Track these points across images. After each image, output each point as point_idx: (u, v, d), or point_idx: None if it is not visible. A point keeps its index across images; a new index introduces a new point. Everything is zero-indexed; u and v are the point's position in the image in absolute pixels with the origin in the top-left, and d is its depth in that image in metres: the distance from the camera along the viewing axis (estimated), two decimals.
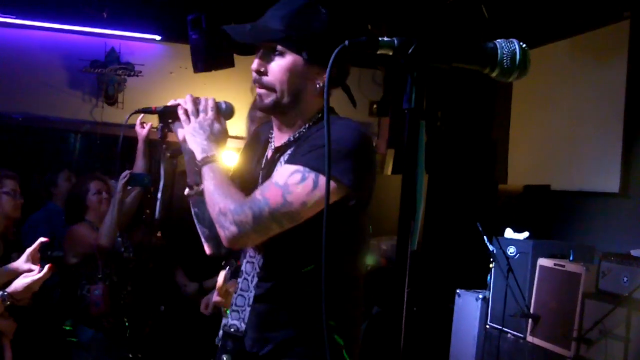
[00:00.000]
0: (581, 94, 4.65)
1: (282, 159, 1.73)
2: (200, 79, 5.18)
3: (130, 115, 1.87)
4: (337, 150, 1.55)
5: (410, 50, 1.13)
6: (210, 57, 4.93)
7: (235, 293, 1.78)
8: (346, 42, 1.15)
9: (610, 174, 4.29)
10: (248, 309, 1.72)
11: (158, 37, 5.96)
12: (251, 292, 1.73)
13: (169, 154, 2.33)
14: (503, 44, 1.19)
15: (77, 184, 3.80)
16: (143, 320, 3.93)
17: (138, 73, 5.92)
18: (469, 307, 4.27)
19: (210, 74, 5.07)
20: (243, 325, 1.72)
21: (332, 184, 1.55)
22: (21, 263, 2.52)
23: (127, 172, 3.42)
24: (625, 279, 3.22)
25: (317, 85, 1.68)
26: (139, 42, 5.98)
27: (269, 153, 1.80)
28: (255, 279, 1.73)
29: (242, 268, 1.79)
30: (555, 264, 3.66)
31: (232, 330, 1.75)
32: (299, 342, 1.67)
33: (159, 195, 1.83)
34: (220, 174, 1.66)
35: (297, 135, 1.72)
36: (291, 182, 1.56)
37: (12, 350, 2.74)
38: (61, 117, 5.86)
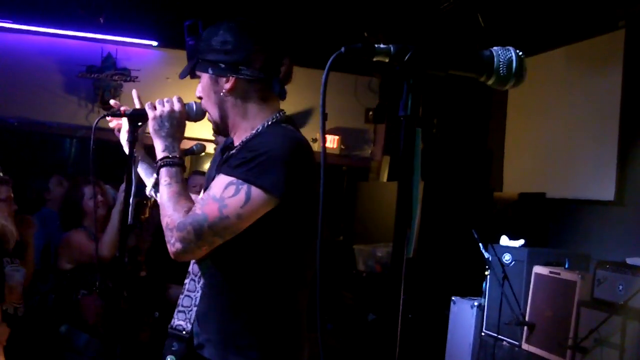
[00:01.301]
0: (577, 102, 4.67)
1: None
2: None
3: (99, 119, 1.88)
4: (267, 160, 1.57)
5: (406, 58, 1.12)
6: None
7: (182, 294, 1.78)
8: (342, 49, 1.14)
9: (605, 182, 4.30)
10: (194, 309, 1.72)
11: (155, 43, 5.97)
12: (198, 292, 1.73)
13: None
14: (499, 52, 1.19)
15: (71, 189, 3.70)
16: (138, 326, 3.92)
17: (134, 78, 5.93)
18: (464, 314, 4.26)
19: None
20: (189, 326, 1.72)
21: (262, 194, 1.57)
22: None
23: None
24: (621, 287, 3.22)
25: (223, 94, 1.72)
26: (135, 48, 6.00)
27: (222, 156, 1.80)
28: (202, 280, 1.73)
29: (189, 269, 1.78)
30: (550, 272, 3.66)
31: (178, 330, 1.74)
32: (248, 343, 1.65)
33: (132, 200, 1.82)
34: (177, 182, 1.68)
35: (244, 140, 1.72)
36: (226, 195, 1.58)
37: (5, 356, 2.71)
38: (57, 121, 5.85)
